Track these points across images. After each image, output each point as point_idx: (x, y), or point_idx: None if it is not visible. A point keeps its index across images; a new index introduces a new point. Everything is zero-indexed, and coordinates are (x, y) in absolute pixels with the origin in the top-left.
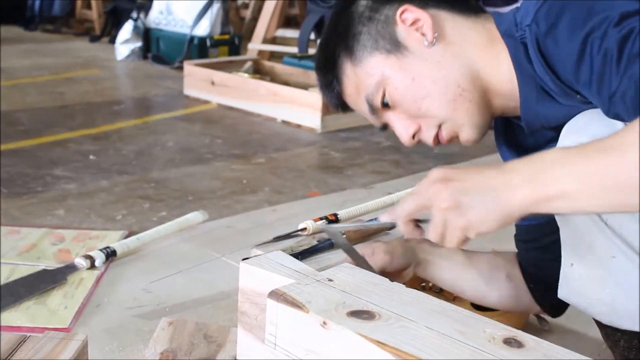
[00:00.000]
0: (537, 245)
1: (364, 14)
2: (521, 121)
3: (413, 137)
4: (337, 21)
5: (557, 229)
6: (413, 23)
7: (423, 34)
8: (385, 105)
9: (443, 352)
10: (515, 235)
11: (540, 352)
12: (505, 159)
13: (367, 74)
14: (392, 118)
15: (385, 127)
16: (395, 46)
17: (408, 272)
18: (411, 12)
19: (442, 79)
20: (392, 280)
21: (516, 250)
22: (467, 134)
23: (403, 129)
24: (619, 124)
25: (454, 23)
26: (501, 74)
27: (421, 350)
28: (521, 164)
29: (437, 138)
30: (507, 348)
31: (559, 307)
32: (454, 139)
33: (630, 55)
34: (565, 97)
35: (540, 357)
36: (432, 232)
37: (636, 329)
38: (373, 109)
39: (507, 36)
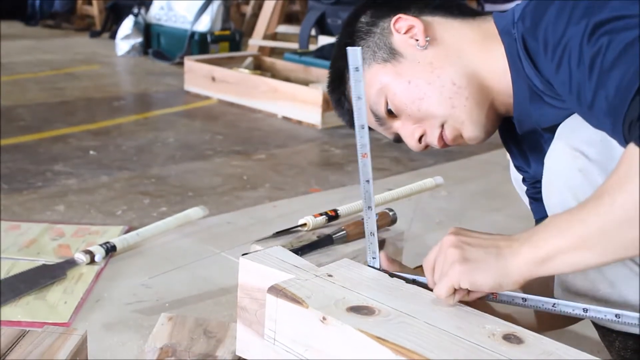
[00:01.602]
0: None
1: (362, 29)
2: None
3: (420, 141)
4: (341, 39)
5: None
6: (407, 30)
7: (417, 40)
8: (390, 114)
9: (443, 347)
10: None
11: (540, 348)
12: (513, 158)
13: (368, 85)
14: (399, 126)
15: (398, 138)
16: (391, 54)
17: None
18: (404, 20)
19: (437, 79)
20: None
21: None
22: (469, 131)
23: (409, 135)
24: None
25: (448, 26)
26: (498, 72)
27: (421, 346)
28: (522, 233)
29: (442, 138)
30: (506, 344)
31: None
32: (459, 138)
33: (601, 69)
34: (554, 98)
35: (540, 353)
36: (428, 266)
37: (630, 331)
38: (380, 120)
39: (504, 34)
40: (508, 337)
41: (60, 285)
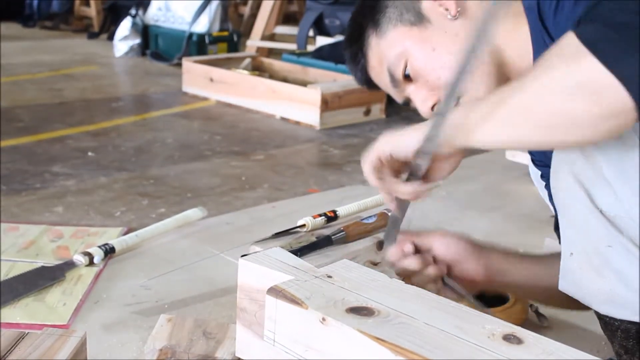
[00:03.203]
0: None
1: None
2: None
3: (432, 109)
4: None
5: None
6: None
7: (447, 9)
8: (407, 78)
9: (442, 348)
10: None
11: (540, 348)
12: (531, 152)
13: (390, 45)
14: (413, 91)
15: (407, 102)
16: (419, 19)
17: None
18: None
19: (460, 51)
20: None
21: None
22: None
23: (423, 100)
24: None
25: (479, 0)
26: (522, 53)
27: (420, 347)
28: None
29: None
30: (506, 344)
31: None
32: None
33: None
34: None
35: (540, 353)
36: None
37: (635, 319)
38: (395, 81)
39: (528, 9)
40: (508, 337)
41: (59, 287)
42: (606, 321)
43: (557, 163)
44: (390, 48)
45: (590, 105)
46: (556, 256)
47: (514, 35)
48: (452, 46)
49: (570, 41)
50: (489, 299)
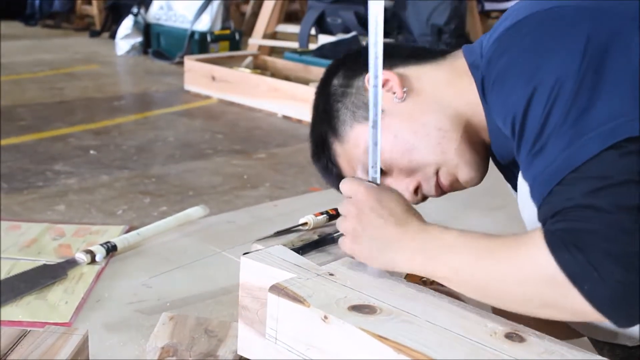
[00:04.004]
0: None
1: (337, 92)
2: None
3: (416, 193)
4: (317, 105)
5: None
6: (383, 85)
7: (394, 92)
8: (381, 172)
9: (444, 346)
10: None
11: (542, 347)
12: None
13: (354, 146)
14: (391, 182)
15: None
16: None
17: None
18: None
19: (421, 127)
20: None
21: None
22: (464, 174)
23: (404, 189)
24: None
25: (421, 73)
26: (474, 106)
27: (422, 345)
28: (422, 234)
29: (439, 187)
30: (508, 342)
31: None
32: (455, 183)
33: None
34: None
35: (542, 352)
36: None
37: (614, 341)
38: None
39: (473, 67)
40: (510, 336)
41: (61, 285)
42: (592, 341)
43: (521, 192)
44: (355, 148)
45: (554, 310)
46: None
47: (465, 93)
48: (411, 125)
49: (543, 257)
50: None
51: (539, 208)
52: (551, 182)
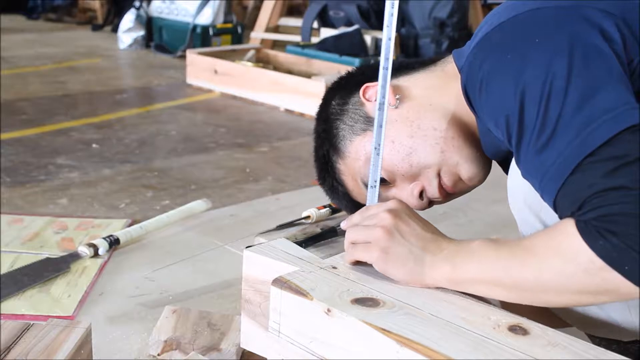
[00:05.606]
0: None
1: (335, 111)
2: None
3: (421, 197)
4: (318, 127)
5: None
6: (375, 97)
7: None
8: (383, 182)
9: (448, 339)
10: None
11: (545, 339)
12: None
13: (355, 158)
14: (397, 193)
15: None
16: (368, 122)
17: None
18: (372, 87)
19: (417, 129)
20: None
21: None
22: (466, 170)
23: (409, 195)
24: None
25: (413, 81)
26: (466, 106)
27: (425, 338)
28: (452, 245)
29: (442, 188)
30: (512, 335)
31: None
32: (458, 182)
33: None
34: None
35: (545, 344)
36: (351, 233)
37: (610, 336)
38: None
39: (462, 72)
40: (513, 329)
41: (64, 279)
42: (588, 335)
43: (512, 187)
44: (356, 161)
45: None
46: None
47: (456, 95)
48: (408, 129)
49: (576, 244)
50: None
51: (555, 201)
52: (564, 173)
